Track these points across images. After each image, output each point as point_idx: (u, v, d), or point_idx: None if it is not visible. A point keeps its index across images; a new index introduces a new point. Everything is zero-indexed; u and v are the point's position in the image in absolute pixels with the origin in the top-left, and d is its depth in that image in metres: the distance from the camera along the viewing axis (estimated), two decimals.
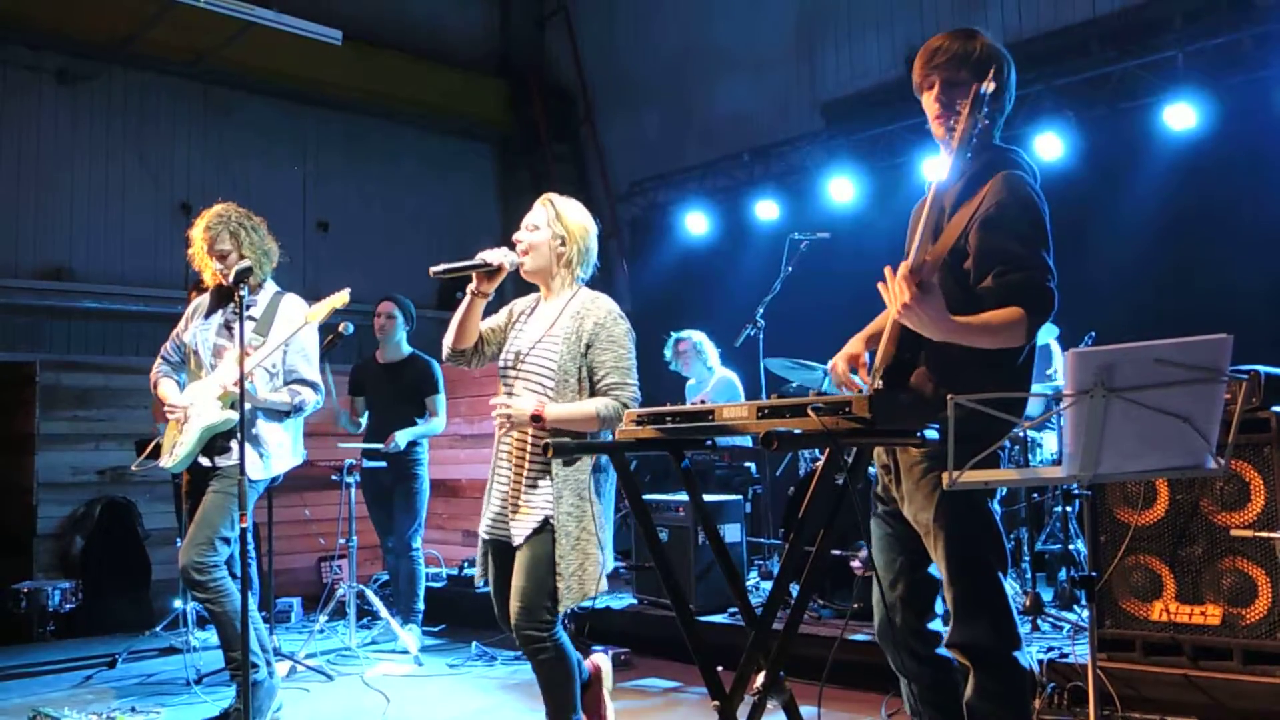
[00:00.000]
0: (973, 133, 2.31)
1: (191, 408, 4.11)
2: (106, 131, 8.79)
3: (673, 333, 7.03)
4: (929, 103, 2.58)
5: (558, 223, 3.37)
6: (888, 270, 2.26)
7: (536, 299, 3.51)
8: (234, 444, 3.99)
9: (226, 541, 4.00)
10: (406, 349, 6.02)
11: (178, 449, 4.12)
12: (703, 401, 6.27)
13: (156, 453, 4.31)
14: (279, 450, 4.21)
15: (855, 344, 2.72)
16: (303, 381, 4.23)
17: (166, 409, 4.20)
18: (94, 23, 8.27)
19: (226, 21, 8.14)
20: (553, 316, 3.36)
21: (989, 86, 2.36)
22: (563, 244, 3.37)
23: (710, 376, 6.79)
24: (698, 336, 6.86)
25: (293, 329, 4.11)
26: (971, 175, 2.51)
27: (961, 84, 2.50)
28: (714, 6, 9.77)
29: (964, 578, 2.45)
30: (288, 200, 9.64)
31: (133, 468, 4.71)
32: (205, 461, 4.12)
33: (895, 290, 2.23)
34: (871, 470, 2.76)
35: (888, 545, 2.66)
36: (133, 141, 8.91)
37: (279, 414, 4.20)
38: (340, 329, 5.10)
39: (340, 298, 4.14)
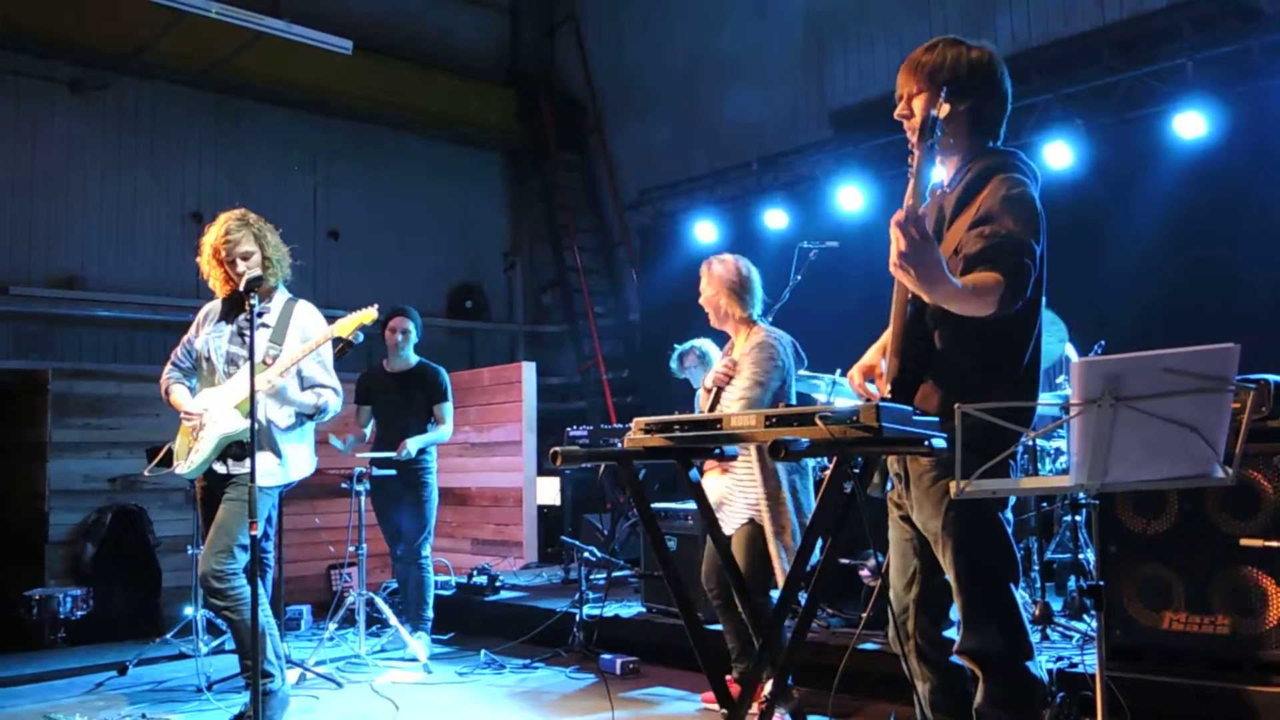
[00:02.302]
0: (928, 156, 2.30)
1: (207, 414, 4.13)
2: (119, 141, 8.85)
3: (676, 345, 6.97)
4: (911, 109, 2.58)
5: (720, 283, 4.13)
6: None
7: (728, 344, 4.33)
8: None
9: (245, 549, 4.01)
10: (415, 358, 6.03)
11: (194, 455, 4.14)
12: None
13: (168, 459, 4.34)
14: (296, 455, 4.24)
15: (872, 355, 2.73)
16: (323, 386, 4.29)
17: (183, 415, 4.22)
18: (106, 33, 8.33)
19: (237, 32, 8.18)
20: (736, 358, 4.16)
21: (941, 110, 2.35)
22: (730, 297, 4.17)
23: None
24: (703, 344, 6.80)
25: (317, 340, 4.19)
26: (970, 181, 2.51)
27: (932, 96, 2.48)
28: (723, 16, 9.80)
29: (973, 586, 2.44)
30: (298, 209, 9.68)
31: (145, 473, 4.74)
32: (221, 468, 4.15)
33: (891, 240, 2.17)
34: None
35: (903, 550, 2.66)
36: (144, 151, 8.97)
37: (298, 419, 4.23)
38: (350, 338, 5.12)
39: (369, 314, 4.30)
